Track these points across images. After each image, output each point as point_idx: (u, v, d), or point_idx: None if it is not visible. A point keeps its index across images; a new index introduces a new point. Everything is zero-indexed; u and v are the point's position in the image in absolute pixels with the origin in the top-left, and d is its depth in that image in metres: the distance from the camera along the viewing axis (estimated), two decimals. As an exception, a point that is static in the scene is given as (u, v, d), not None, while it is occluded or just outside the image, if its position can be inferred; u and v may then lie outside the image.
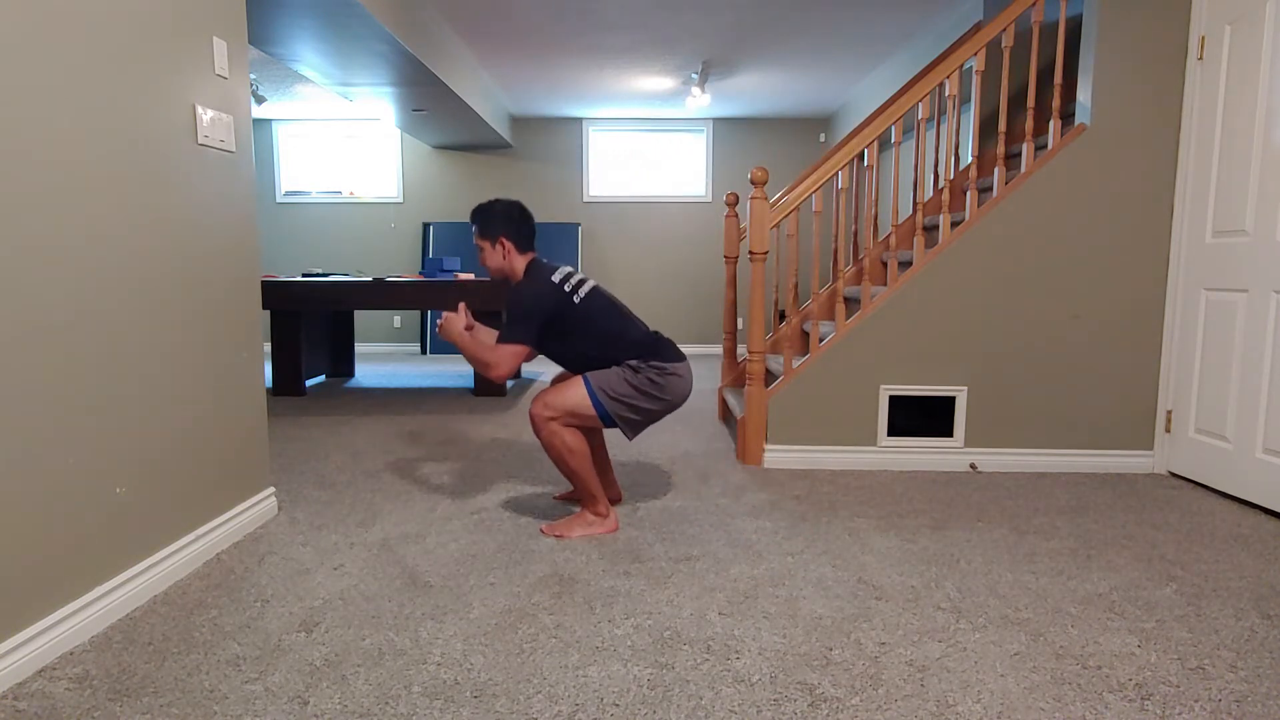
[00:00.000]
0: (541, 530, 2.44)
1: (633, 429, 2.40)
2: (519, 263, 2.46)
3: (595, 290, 2.45)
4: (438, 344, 7.45)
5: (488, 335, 2.57)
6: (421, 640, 1.72)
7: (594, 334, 2.39)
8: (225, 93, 2.29)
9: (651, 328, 7.64)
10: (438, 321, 2.51)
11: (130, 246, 1.87)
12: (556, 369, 6.47)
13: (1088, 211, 3.12)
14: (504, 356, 2.32)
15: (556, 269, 2.44)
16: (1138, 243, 3.13)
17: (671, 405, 2.41)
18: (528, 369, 6.49)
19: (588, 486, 2.39)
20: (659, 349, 2.41)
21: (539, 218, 7.68)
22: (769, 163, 7.59)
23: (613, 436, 3.78)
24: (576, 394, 2.33)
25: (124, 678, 1.56)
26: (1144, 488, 2.99)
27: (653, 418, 2.42)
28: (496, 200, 2.47)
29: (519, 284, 2.42)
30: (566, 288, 2.39)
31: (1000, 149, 3.18)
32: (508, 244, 2.44)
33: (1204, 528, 2.52)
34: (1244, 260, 2.77)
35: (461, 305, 2.50)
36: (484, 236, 2.44)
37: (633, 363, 2.37)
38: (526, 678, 1.57)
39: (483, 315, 4.86)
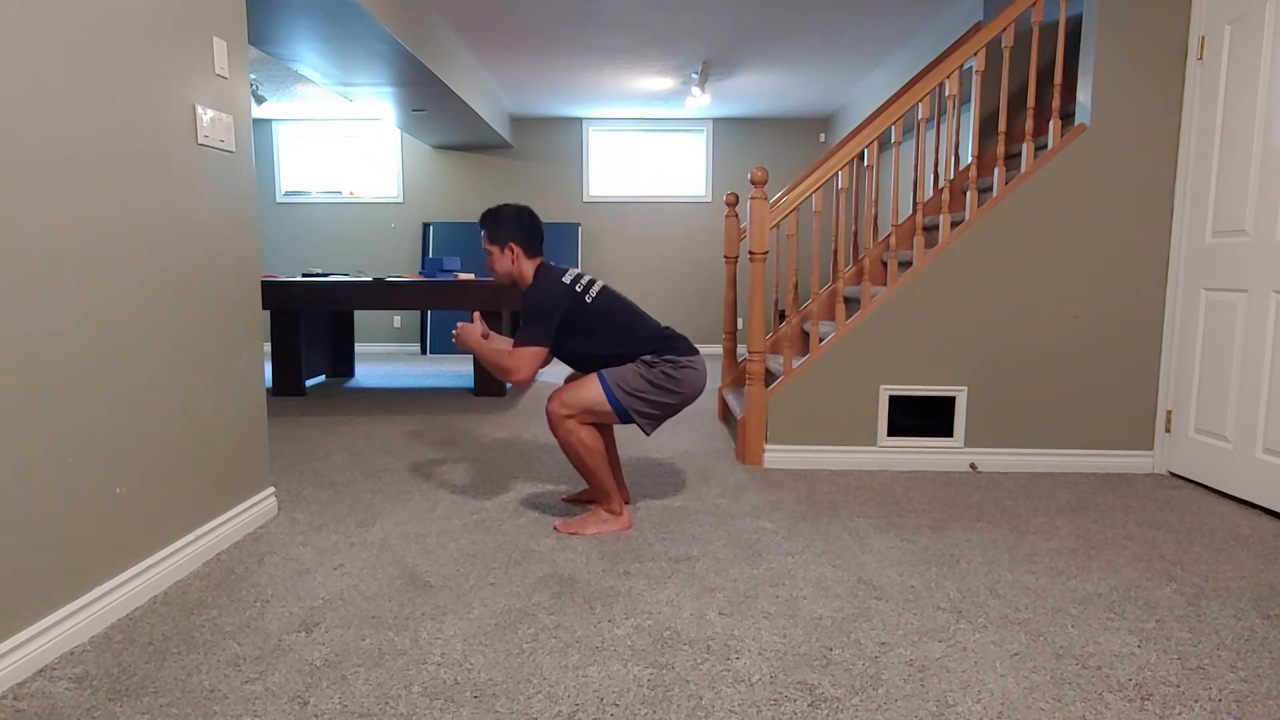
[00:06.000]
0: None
1: (650, 423, 2.41)
2: (528, 268, 2.47)
3: (605, 289, 2.47)
4: (438, 344, 7.45)
5: (503, 342, 2.58)
6: (421, 640, 1.72)
7: (607, 331, 2.40)
8: (225, 93, 2.29)
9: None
10: (453, 331, 2.51)
11: (130, 247, 1.87)
12: (565, 372, 6.47)
13: (1088, 211, 3.12)
14: (524, 360, 2.32)
15: (565, 271, 2.46)
16: (1138, 243, 3.13)
17: (687, 398, 2.42)
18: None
19: (603, 484, 2.40)
20: (672, 343, 2.42)
21: (539, 217, 7.67)
22: (769, 163, 7.59)
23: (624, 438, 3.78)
24: (592, 391, 2.33)
25: (124, 678, 1.56)
26: (1144, 488, 2.99)
27: (669, 411, 2.43)
28: (505, 205, 2.49)
29: (531, 287, 2.43)
30: (578, 288, 2.41)
31: (1000, 149, 3.18)
32: (516, 249, 2.45)
33: (1204, 528, 2.52)
34: (1244, 260, 2.77)
35: (476, 314, 2.51)
36: (493, 241, 2.46)
37: (647, 358, 2.38)
38: (526, 678, 1.57)
39: (485, 315, 4.86)
